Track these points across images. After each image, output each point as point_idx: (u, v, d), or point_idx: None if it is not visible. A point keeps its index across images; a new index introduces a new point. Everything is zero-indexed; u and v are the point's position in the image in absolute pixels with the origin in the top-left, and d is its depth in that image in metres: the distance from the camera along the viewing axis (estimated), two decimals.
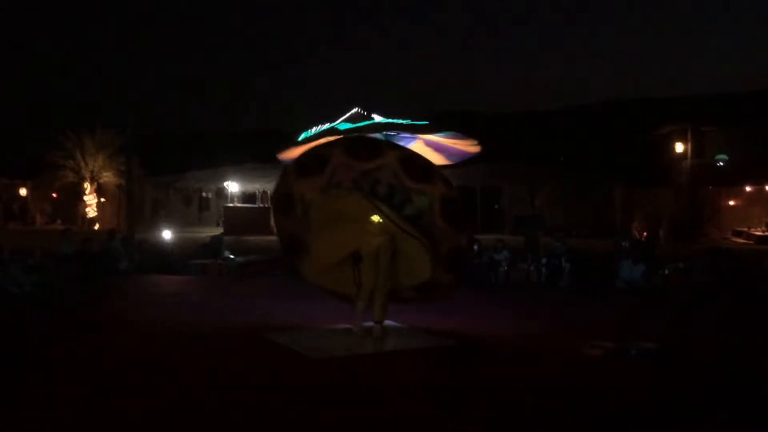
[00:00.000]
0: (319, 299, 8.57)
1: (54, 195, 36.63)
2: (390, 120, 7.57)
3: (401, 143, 7.60)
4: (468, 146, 8.04)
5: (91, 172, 33.21)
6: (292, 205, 7.55)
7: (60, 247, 14.05)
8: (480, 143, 7.97)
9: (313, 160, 7.31)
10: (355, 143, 7.22)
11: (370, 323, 7.34)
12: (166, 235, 17.77)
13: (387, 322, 7.51)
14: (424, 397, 5.24)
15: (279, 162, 8.40)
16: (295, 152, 7.78)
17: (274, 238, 26.92)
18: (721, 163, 29.26)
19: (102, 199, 34.07)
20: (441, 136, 7.80)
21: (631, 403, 5.20)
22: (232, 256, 15.03)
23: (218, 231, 26.25)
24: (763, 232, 26.50)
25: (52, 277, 11.74)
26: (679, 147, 30.22)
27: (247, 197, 33.30)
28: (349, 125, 7.63)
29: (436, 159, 7.81)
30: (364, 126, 7.50)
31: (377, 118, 7.74)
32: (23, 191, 37.37)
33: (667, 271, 12.76)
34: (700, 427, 4.67)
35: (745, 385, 5.74)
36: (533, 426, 4.63)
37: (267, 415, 4.79)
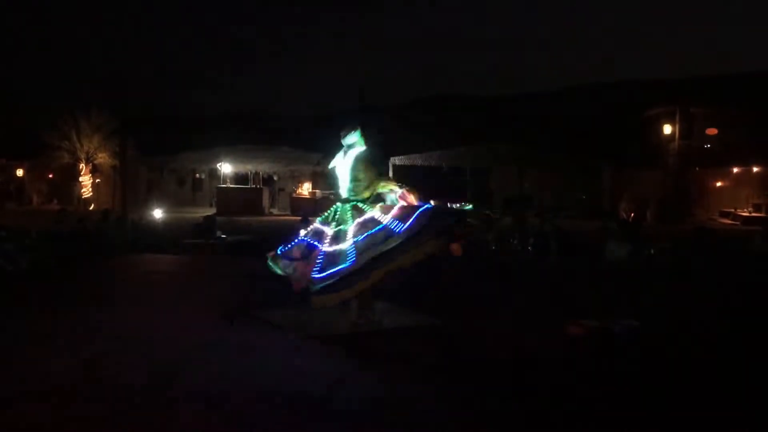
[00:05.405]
0: None
1: (50, 175, 36.80)
2: None
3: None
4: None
5: (87, 153, 33.31)
6: None
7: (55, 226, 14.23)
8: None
9: None
10: None
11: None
12: (157, 214, 17.94)
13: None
14: (410, 375, 5.41)
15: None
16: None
17: (265, 218, 27.05)
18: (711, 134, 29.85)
19: (97, 180, 34.22)
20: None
21: (608, 379, 5.39)
22: (224, 236, 15.25)
23: (211, 211, 26.43)
24: (750, 212, 26.85)
25: (47, 256, 11.88)
26: (668, 128, 30.40)
27: (239, 178, 33.46)
28: None
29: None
30: None
31: None
32: (20, 172, 37.52)
33: (652, 251, 12.94)
34: (678, 408, 4.82)
35: (726, 364, 5.95)
36: (516, 402, 4.82)
37: (258, 398, 4.92)
